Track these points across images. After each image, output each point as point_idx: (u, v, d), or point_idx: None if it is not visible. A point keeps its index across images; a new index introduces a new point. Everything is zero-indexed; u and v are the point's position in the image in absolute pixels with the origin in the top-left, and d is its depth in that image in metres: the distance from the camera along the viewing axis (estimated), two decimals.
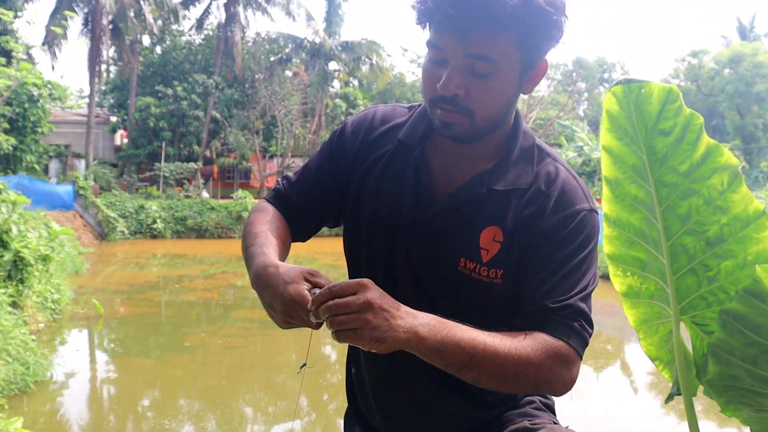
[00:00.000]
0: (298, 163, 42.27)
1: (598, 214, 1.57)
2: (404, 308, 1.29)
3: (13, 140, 23.49)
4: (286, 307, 1.30)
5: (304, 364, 1.52)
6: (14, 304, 9.96)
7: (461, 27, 1.30)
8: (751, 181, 32.93)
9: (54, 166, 36.26)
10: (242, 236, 1.60)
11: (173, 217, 32.35)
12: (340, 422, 8.17)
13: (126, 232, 29.91)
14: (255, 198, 36.59)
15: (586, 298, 1.49)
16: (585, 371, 9.26)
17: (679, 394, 2.16)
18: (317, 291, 1.28)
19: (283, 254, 1.55)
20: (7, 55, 22.58)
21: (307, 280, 1.32)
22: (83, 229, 27.12)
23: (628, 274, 2.26)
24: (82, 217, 28.00)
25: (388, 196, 1.60)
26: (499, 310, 1.58)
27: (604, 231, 2.30)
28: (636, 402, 7.64)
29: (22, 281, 10.09)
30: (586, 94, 56.35)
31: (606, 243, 2.28)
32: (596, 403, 8.01)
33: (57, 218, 23.42)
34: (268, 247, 1.47)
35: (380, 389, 1.71)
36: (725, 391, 1.95)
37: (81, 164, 35.93)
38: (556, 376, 1.39)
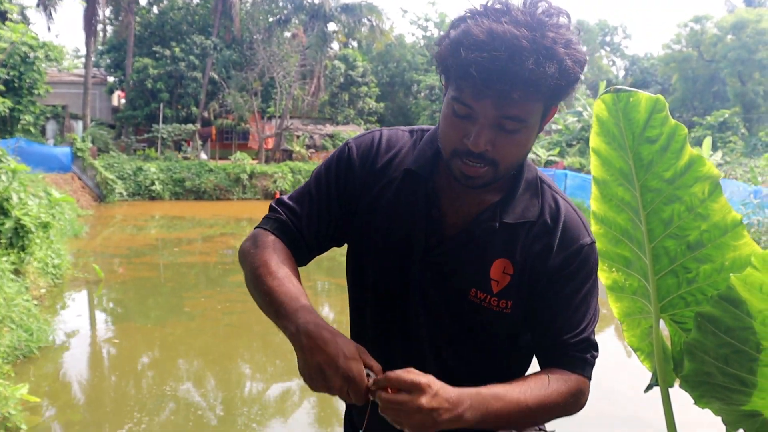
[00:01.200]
0: (297, 124, 42.14)
1: (595, 243, 1.68)
2: (452, 400, 1.36)
3: (9, 102, 23.36)
4: (344, 383, 1.33)
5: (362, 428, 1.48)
6: (16, 272, 10.07)
7: (500, 92, 1.33)
8: (749, 149, 32.88)
9: (51, 127, 36.08)
10: (254, 272, 1.55)
11: (171, 179, 32.37)
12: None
13: (124, 193, 29.96)
14: (254, 159, 36.56)
15: (594, 326, 1.61)
16: None
17: (657, 385, 2.28)
18: (371, 374, 1.36)
19: None
20: (2, 16, 22.41)
21: (364, 353, 1.40)
22: (81, 191, 27.16)
23: (614, 269, 2.36)
24: (80, 179, 28.01)
25: (398, 227, 1.61)
26: (507, 333, 1.70)
27: (592, 227, 2.40)
28: (619, 388, 7.79)
29: (23, 248, 10.19)
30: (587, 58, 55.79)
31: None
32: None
33: (55, 180, 23.46)
34: (306, 298, 1.48)
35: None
36: (699, 386, 2.07)
37: (78, 126, 35.76)
38: (576, 406, 1.61)
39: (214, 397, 7.58)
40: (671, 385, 2.30)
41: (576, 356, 1.57)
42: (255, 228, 1.67)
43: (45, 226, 11.04)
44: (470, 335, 1.65)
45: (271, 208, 1.68)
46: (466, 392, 1.39)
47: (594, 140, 2.22)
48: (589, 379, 1.60)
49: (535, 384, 1.50)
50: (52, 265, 12.07)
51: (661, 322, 2.29)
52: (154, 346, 9.71)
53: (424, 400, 1.30)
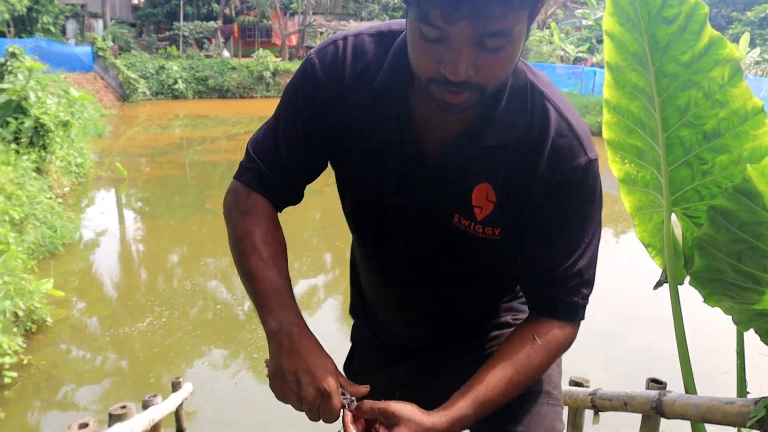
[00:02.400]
0: (320, 21, 41.26)
1: (597, 162, 1.34)
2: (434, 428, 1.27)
3: (27, 1, 23.02)
4: (317, 395, 1.25)
5: None
6: (38, 170, 10.14)
7: (476, 9, 1.07)
8: None
9: (71, 26, 35.69)
10: (237, 243, 1.44)
11: (194, 78, 32.13)
12: None
13: (147, 93, 29.85)
14: (276, 56, 36.03)
15: (590, 259, 1.38)
16: None
17: (667, 282, 2.20)
18: (346, 395, 1.28)
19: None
20: None
21: (340, 375, 1.30)
22: (104, 90, 27.08)
23: (626, 161, 2.25)
24: (102, 78, 27.88)
25: (370, 154, 1.42)
26: (495, 260, 1.54)
27: (604, 117, 2.27)
28: (628, 286, 7.75)
29: (44, 147, 10.22)
30: None
31: (605, 128, 2.25)
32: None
33: (78, 80, 23.37)
34: (290, 294, 1.37)
35: (382, 311, 1.74)
36: (709, 284, 1.98)
37: (98, 24, 35.30)
38: (563, 352, 1.46)
39: (236, 293, 7.68)
40: (681, 282, 2.22)
41: (565, 300, 1.38)
42: (234, 177, 1.50)
43: (65, 124, 11.03)
44: (457, 264, 1.51)
45: (246, 153, 1.49)
46: (453, 421, 1.29)
47: (607, 22, 2.06)
48: (580, 322, 1.42)
49: (520, 352, 1.37)
50: (74, 164, 12.14)
51: (673, 217, 2.18)
52: (178, 244, 9.82)
53: None
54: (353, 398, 1.27)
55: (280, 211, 1.51)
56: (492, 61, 1.15)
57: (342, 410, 1.24)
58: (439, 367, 1.69)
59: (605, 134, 2.26)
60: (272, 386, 1.29)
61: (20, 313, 6.23)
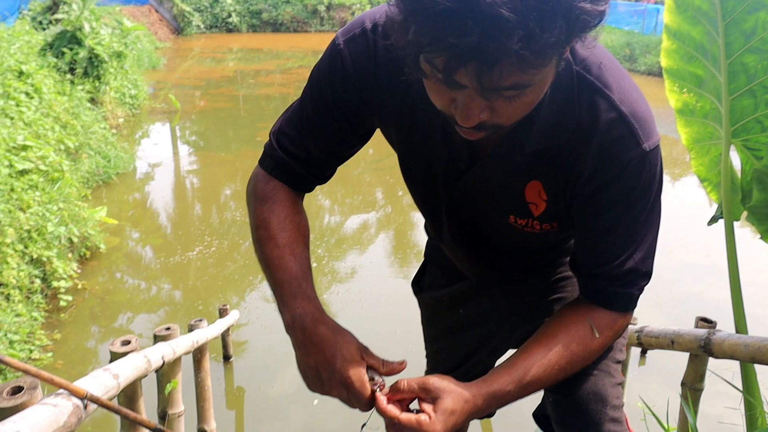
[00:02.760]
0: None
1: (655, 150, 1.19)
2: (470, 406, 1.18)
3: None
4: (341, 389, 1.18)
5: (364, 425, 1.33)
6: (92, 101, 10.28)
7: (481, 69, 0.90)
8: None
9: None
10: (254, 232, 1.36)
11: (248, 11, 32.01)
12: (414, 215, 8.50)
13: (201, 26, 29.88)
14: None
15: (646, 251, 1.28)
16: None
17: (722, 217, 2.11)
18: (376, 378, 1.18)
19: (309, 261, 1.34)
20: None
21: (365, 349, 1.21)
22: (159, 23, 27.17)
23: (684, 90, 2.14)
24: (157, 11, 27.94)
25: (417, 158, 1.35)
26: (556, 244, 1.54)
27: (663, 43, 2.15)
28: (682, 228, 7.55)
29: (98, 78, 10.33)
30: None
31: (664, 56, 2.14)
32: None
33: (132, 13, 23.46)
34: (307, 280, 1.27)
35: (452, 255, 1.69)
36: (767, 219, 1.88)
37: None
38: (618, 338, 1.40)
39: None
40: (737, 218, 2.12)
41: (619, 293, 1.29)
42: (258, 162, 1.43)
43: (119, 55, 11.11)
44: (518, 250, 1.52)
45: (269, 140, 1.41)
46: (495, 395, 1.20)
47: None
48: (632, 312, 1.34)
49: (573, 347, 1.26)
50: (128, 95, 12.28)
51: (732, 149, 2.08)
52: (230, 176, 9.91)
53: (440, 427, 1.13)
54: (383, 380, 1.19)
55: (309, 192, 1.44)
56: (509, 106, 1.00)
57: (374, 395, 1.16)
58: (508, 304, 1.68)
59: (663, 62, 2.15)
60: (302, 378, 1.24)
61: (75, 240, 6.39)
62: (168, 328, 2.69)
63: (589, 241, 1.28)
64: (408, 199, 8.83)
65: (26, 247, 5.70)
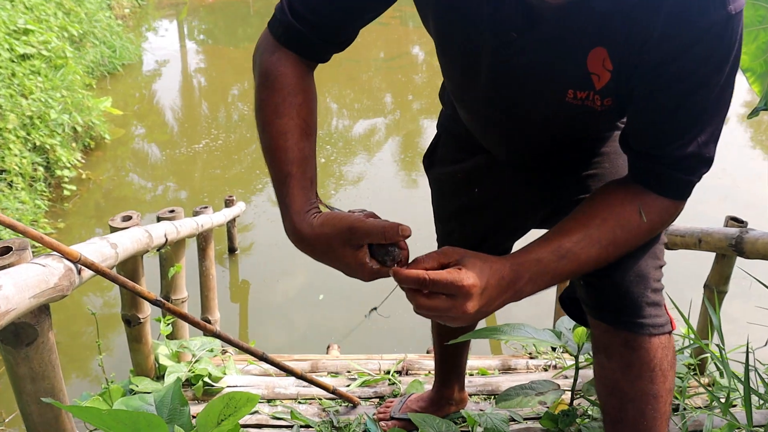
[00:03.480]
0: None
1: (739, 15, 0.99)
2: (505, 283, 1.04)
3: None
4: (351, 272, 1.05)
5: (375, 308, 1.20)
6: None
7: None
8: None
9: None
10: (256, 108, 1.19)
11: None
12: (424, 121, 8.33)
13: None
14: None
15: (711, 134, 1.11)
16: None
17: (765, 109, 1.95)
18: (395, 251, 1.00)
19: (311, 152, 1.17)
20: None
21: (354, 232, 1.02)
22: None
23: None
24: None
25: (458, 34, 1.18)
26: (608, 128, 1.35)
27: None
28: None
29: None
30: None
31: None
32: None
33: None
34: (297, 174, 1.13)
35: (479, 135, 1.52)
36: None
37: None
38: (668, 227, 1.22)
39: None
40: None
41: (677, 179, 1.13)
42: (267, 25, 1.23)
43: None
44: (566, 137, 1.32)
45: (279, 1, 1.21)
46: (524, 264, 1.06)
47: None
48: (685, 200, 1.18)
49: (614, 223, 1.12)
50: None
51: None
52: (238, 71, 9.68)
53: (470, 305, 0.99)
54: (398, 251, 1.01)
55: (324, 62, 1.25)
56: None
57: (389, 270, 1.01)
58: (534, 180, 1.49)
59: None
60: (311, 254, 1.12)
61: (79, 129, 6.26)
62: (172, 211, 2.58)
63: (650, 119, 1.11)
64: (418, 103, 8.64)
65: (28, 133, 5.57)
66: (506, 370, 2.69)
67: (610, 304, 1.25)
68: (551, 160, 1.42)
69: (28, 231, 1.16)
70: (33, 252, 1.29)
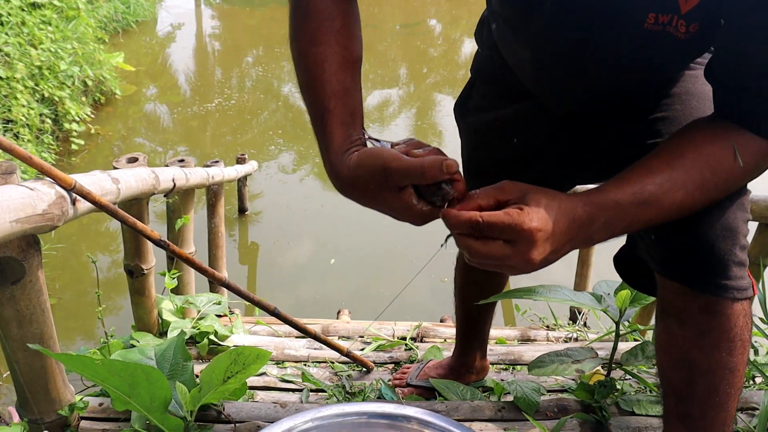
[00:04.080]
0: None
1: None
2: (576, 225, 0.88)
3: None
4: (398, 216, 0.90)
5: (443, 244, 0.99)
6: None
7: None
8: None
9: None
10: (291, 47, 1.02)
11: None
12: (436, 94, 8.11)
13: None
14: None
15: None
16: None
17: None
18: (447, 188, 0.84)
19: (353, 83, 1.00)
20: None
21: (390, 174, 0.86)
22: None
23: None
24: None
25: None
26: (685, 63, 1.14)
27: None
28: None
29: None
30: None
31: None
32: None
33: None
34: (337, 107, 0.97)
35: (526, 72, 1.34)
36: None
37: None
38: (761, 173, 1.01)
39: None
40: None
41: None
42: None
43: None
44: (627, 80, 1.13)
45: None
46: (600, 205, 0.90)
47: None
48: None
49: (703, 164, 0.94)
50: None
51: None
52: (253, 34, 9.49)
53: (534, 253, 0.83)
54: (450, 188, 0.85)
55: None
56: None
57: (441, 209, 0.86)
58: (589, 130, 1.29)
59: None
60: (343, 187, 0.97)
61: (89, 83, 6.10)
62: (182, 160, 2.44)
63: (745, 44, 0.93)
64: (434, 76, 8.43)
65: (37, 84, 5.42)
66: (525, 340, 2.55)
67: (690, 262, 1.06)
68: (614, 104, 1.23)
69: (15, 149, 1.01)
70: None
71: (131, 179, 1.50)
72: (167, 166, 2.32)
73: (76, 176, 1.17)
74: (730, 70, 0.96)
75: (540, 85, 1.24)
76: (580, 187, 1.67)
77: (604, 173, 1.20)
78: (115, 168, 1.77)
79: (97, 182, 1.24)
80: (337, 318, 3.36)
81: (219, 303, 2.20)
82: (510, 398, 1.67)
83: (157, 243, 1.26)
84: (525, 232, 0.81)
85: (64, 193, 1.09)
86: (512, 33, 1.20)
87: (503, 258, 0.83)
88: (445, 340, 2.43)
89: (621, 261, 1.27)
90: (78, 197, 1.13)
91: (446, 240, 0.90)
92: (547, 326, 2.75)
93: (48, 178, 1.10)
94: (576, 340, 2.55)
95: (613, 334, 1.72)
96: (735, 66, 0.95)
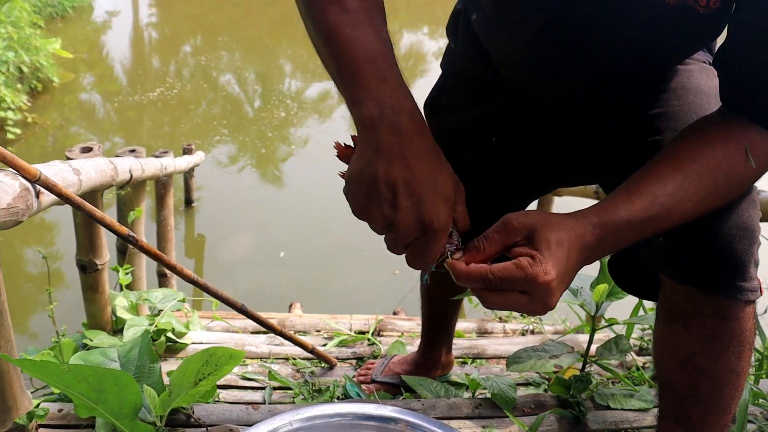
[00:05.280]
0: None
1: None
2: (586, 252, 0.82)
3: None
4: (413, 229, 0.79)
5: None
6: None
7: None
8: None
9: None
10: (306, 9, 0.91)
11: None
12: None
13: None
14: None
15: None
16: None
17: None
18: (453, 234, 0.82)
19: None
20: None
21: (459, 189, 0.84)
22: None
23: None
24: None
25: None
26: (701, 43, 1.08)
27: None
28: None
29: None
30: None
31: None
32: None
33: None
34: (390, 60, 0.86)
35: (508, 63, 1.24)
36: None
37: None
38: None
39: (250, 79, 7.28)
40: None
41: None
42: None
43: None
44: (632, 67, 1.07)
45: None
46: (611, 225, 0.84)
47: None
48: None
49: (715, 168, 0.88)
50: None
51: None
52: (196, 28, 9.29)
53: (552, 300, 0.79)
54: (459, 240, 0.83)
55: None
56: None
57: (445, 257, 0.81)
58: (579, 125, 1.21)
59: None
60: (351, 194, 0.83)
61: (25, 69, 5.87)
62: (133, 150, 2.34)
63: (761, 25, 0.87)
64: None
65: None
66: (483, 333, 2.54)
67: (705, 264, 1.00)
68: (607, 95, 1.18)
69: None
70: None
71: (92, 171, 1.41)
72: (117, 156, 2.22)
73: (38, 166, 1.08)
74: (745, 53, 0.91)
75: (530, 70, 1.15)
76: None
77: (596, 175, 1.16)
78: (68, 158, 1.68)
79: (59, 173, 1.15)
80: (289, 311, 3.30)
81: (183, 300, 2.12)
82: (484, 394, 1.64)
83: (125, 238, 1.19)
84: (541, 286, 0.76)
85: (29, 185, 1.01)
86: (502, 16, 1.13)
87: (522, 307, 0.79)
88: (402, 334, 2.40)
89: (615, 265, 1.22)
90: (42, 189, 1.05)
91: (427, 274, 0.85)
92: (500, 318, 2.74)
93: (11, 169, 1.01)
94: (533, 332, 2.54)
95: (583, 327, 1.71)
96: (751, 49, 0.90)
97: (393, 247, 0.82)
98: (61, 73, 6.45)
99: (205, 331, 2.22)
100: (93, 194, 1.72)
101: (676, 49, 1.06)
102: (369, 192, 0.80)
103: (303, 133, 6.17)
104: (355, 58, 0.85)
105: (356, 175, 0.82)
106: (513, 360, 1.52)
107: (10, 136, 5.25)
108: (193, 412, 1.34)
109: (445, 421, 1.44)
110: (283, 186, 5.08)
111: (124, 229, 1.20)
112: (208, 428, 1.29)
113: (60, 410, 1.33)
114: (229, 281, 4.11)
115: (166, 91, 6.48)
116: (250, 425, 1.03)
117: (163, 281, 2.96)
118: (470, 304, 3.45)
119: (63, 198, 1.07)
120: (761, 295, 1.02)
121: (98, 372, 1.08)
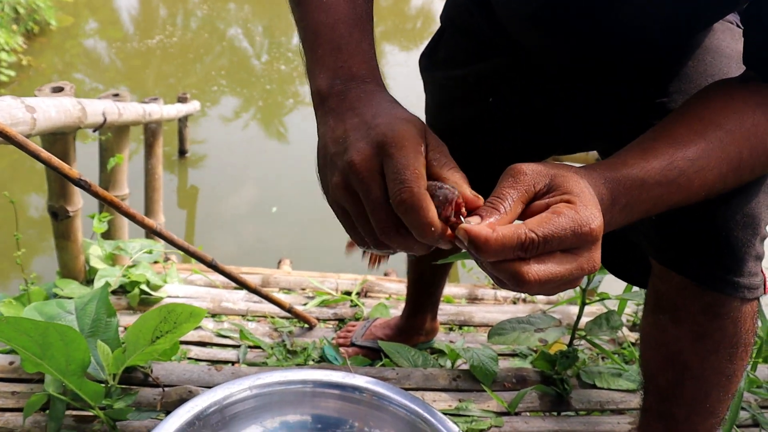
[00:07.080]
0: None
1: None
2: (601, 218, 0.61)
3: None
4: (378, 157, 0.60)
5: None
6: None
7: None
8: None
9: None
10: None
11: None
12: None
13: None
14: None
15: None
16: None
17: None
18: (448, 190, 0.59)
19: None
20: None
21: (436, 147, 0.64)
22: None
23: None
24: None
25: None
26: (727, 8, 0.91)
27: None
28: None
29: None
30: None
31: None
32: None
33: None
34: (363, 28, 0.74)
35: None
36: None
37: None
38: None
39: (253, 31, 7.12)
40: None
41: None
42: None
43: None
44: (651, 29, 0.92)
45: None
46: (623, 183, 0.68)
47: None
48: None
49: (741, 137, 0.75)
50: None
51: None
52: None
53: (599, 253, 0.62)
54: (456, 192, 0.60)
55: None
56: None
57: (446, 226, 0.58)
58: (583, 89, 1.07)
59: None
60: (321, 184, 0.69)
61: (20, 10, 5.73)
62: (116, 95, 2.24)
63: None
64: (383, 26, 8.19)
65: None
66: (473, 299, 2.46)
67: (698, 251, 0.89)
68: (621, 54, 1.05)
69: None
70: None
71: (51, 110, 1.32)
72: (99, 99, 2.13)
73: None
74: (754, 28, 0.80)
75: (541, 31, 1.03)
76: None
77: (596, 138, 1.06)
78: (36, 96, 1.59)
79: (5, 109, 1.06)
80: (278, 267, 3.23)
81: (150, 252, 2.03)
82: (464, 365, 1.57)
83: (77, 183, 1.10)
84: (593, 233, 0.59)
85: None
86: None
87: (568, 274, 0.59)
88: (390, 297, 2.32)
89: (603, 245, 1.09)
90: None
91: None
92: (493, 285, 2.67)
93: None
94: (525, 300, 2.47)
95: (574, 300, 1.63)
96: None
97: (376, 222, 0.61)
98: (59, 17, 6.31)
99: (182, 285, 2.14)
100: (63, 137, 1.64)
101: (708, 7, 0.92)
102: (324, 163, 0.66)
103: (303, 89, 6.05)
104: (316, 23, 0.73)
105: (318, 157, 0.69)
106: (495, 332, 1.44)
107: (3, 78, 5.14)
108: (152, 371, 1.27)
109: (419, 393, 1.36)
110: (280, 140, 4.97)
111: (75, 173, 1.11)
112: (164, 388, 1.21)
113: (11, 363, 1.26)
114: (221, 234, 4.04)
115: (165, 40, 6.34)
116: (211, 387, 0.95)
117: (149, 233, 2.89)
118: (463, 268, 3.37)
119: (1, 135, 0.98)
120: (765, 293, 0.91)
121: (40, 326, 1.00)
